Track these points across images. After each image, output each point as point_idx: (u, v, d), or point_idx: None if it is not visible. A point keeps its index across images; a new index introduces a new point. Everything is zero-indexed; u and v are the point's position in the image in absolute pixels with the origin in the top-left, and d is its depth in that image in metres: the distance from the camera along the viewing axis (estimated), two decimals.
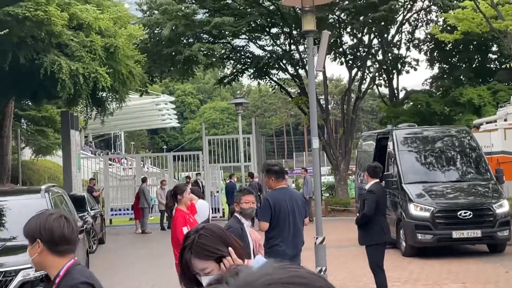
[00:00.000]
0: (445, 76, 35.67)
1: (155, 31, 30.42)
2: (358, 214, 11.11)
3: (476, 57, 35.14)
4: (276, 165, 9.29)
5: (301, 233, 8.62)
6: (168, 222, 23.66)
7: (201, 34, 30.55)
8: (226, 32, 30.33)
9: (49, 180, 36.22)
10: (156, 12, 30.08)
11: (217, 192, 30.49)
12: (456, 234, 15.38)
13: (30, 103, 32.15)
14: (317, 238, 11.99)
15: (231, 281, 0.95)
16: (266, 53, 33.98)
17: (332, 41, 28.58)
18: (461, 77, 34.40)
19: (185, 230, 8.86)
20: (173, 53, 29.68)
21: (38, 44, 19.06)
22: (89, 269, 12.33)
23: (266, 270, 0.95)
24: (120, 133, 77.08)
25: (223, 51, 32.59)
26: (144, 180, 26.78)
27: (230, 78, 36.16)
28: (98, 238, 21.02)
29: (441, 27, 31.61)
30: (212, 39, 31.44)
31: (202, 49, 29.10)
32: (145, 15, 30.68)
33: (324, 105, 34.55)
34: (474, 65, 35.11)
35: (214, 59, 31.38)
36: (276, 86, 36.45)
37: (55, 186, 12.14)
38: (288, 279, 0.91)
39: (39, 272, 8.62)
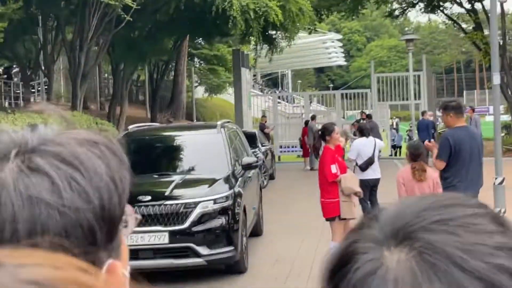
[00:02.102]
0: None
1: None
2: None
3: None
4: (454, 101, 8.95)
5: (480, 173, 8.26)
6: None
7: None
8: None
9: (221, 117, 37.39)
10: None
11: (383, 130, 30.06)
12: None
13: (202, 42, 33.13)
14: (496, 179, 11.51)
15: (373, 223, 0.73)
16: None
17: None
18: None
19: (333, 168, 8.76)
20: None
21: None
22: (262, 203, 12.67)
23: (410, 200, 0.77)
24: (287, 71, 77.83)
25: None
26: (313, 117, 26.80)
27: (399, 11, 34.94)
28: (269, 174, 21.48)
29: None
30: None
31: None
32: None
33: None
34: None
35: None
36: (448, 21, 34.82)
37: (229, 122, 12.44)
38: (443, 202, 0.73)
39: (218, 205, 8.89)
